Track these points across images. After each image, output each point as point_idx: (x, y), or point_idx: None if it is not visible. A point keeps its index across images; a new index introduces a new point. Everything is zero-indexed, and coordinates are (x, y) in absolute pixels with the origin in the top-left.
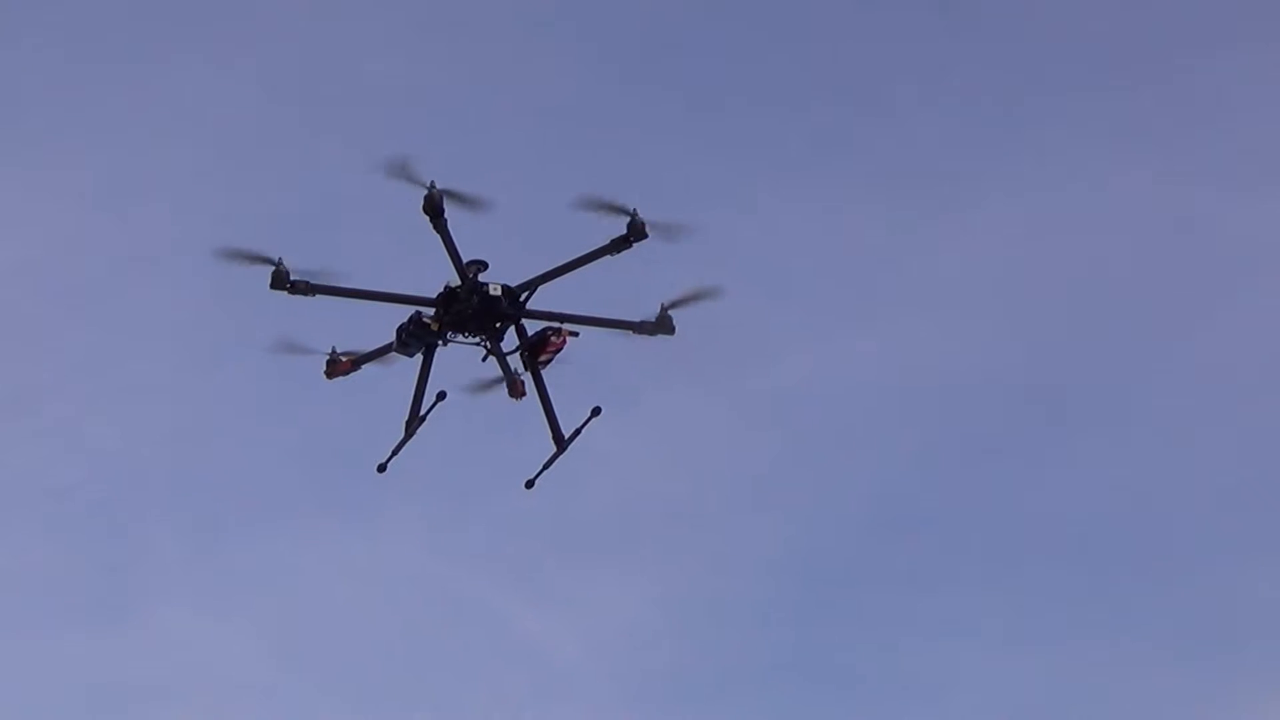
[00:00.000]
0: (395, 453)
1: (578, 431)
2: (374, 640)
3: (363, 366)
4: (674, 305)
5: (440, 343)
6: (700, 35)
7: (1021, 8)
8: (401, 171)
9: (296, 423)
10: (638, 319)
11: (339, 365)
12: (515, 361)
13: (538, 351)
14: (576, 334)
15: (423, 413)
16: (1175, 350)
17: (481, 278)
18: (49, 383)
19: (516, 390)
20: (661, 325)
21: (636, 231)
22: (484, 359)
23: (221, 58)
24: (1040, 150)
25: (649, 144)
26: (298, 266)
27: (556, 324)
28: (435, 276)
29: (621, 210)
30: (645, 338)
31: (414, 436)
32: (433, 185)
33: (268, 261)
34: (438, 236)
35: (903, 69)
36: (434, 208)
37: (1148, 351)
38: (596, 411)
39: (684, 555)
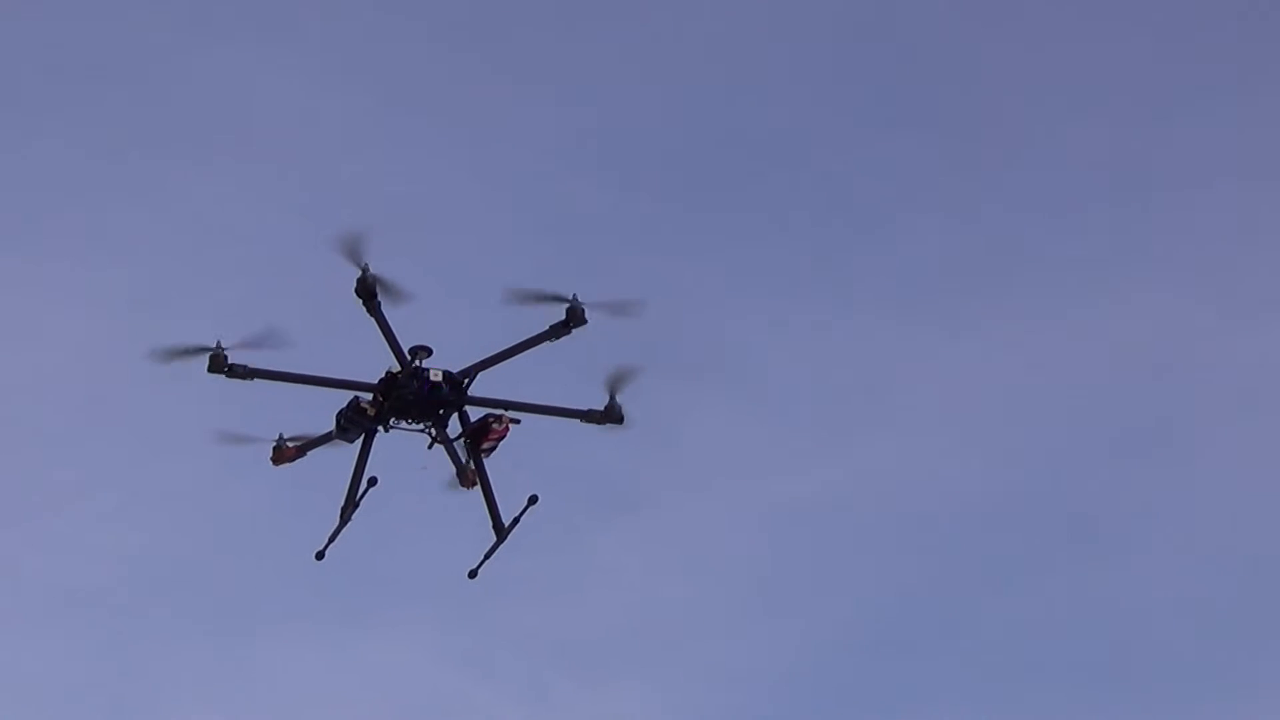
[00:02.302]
0: (332, 539)
1: (516, 520)
2: None
3: (308, 453)
4: (613, 387)
5: (381, 428)
6: (707, 146)
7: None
8: (350, 249)
9: (318, 526)
10: (585, 408)
11: (285, 452)
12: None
13: (479, 439)
14: (518, 421)
15: (357, 499)
16: (1182, 470)
17: (425, 363)
18: (75, 487)
19: (468, 480)
20: (609, 414)
21: (575, 317)
22: (430, 446)
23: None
24: (1046, 267)
25: (654, 252)
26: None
27: (497, 411)
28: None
29: (559, 298)
30: (594, 426)
31: (349, 523)
32: (366, 268)
33: (205, 350)
34: (373, 320)
35: (907, 185)
36: (367, 290)
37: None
38: (533, 500)
39: (689, 664)
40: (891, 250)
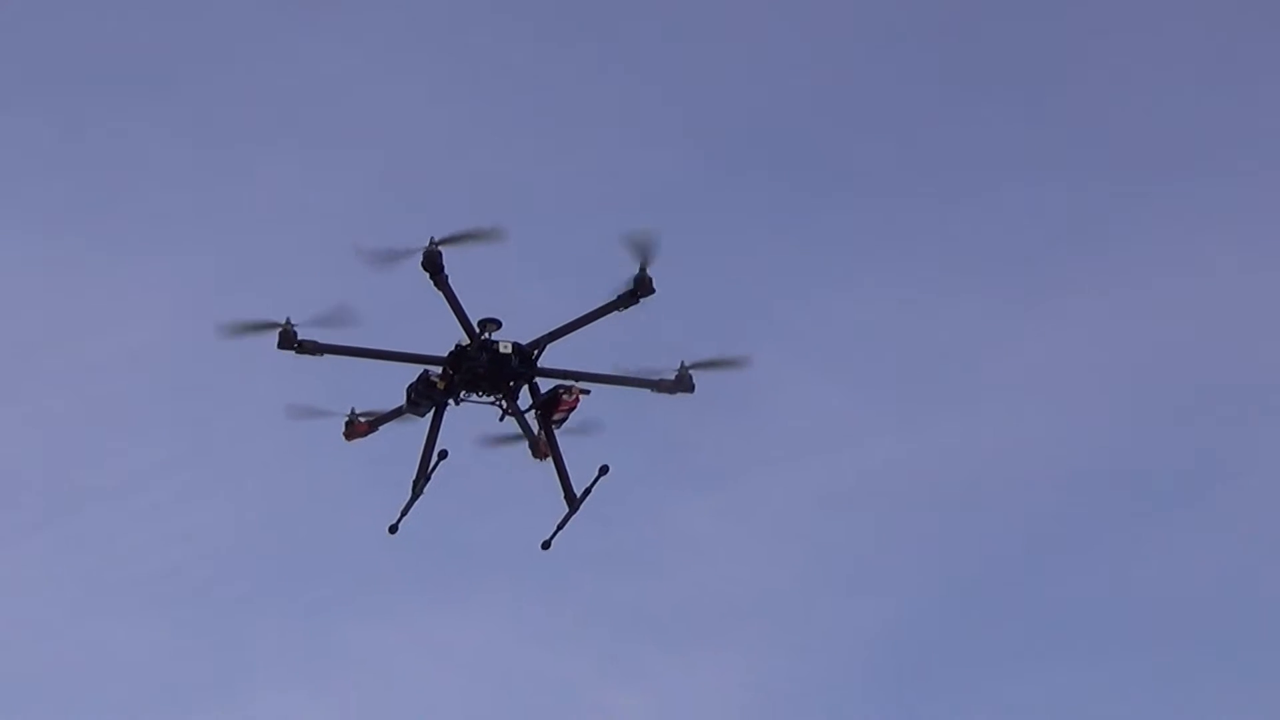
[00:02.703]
0: (404, 513)
1: (588, 491)
2: None
3: (380, 428)
4: (696, 366)
5: (452, 402)
6: (794, 120)
7: (1117, 93)
8: (387, 257)
9: (396, 500)
10: (656, 377)
11: (357, 427)
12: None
13: (550, 410)
14: (588, 391)
15: (428, 472)
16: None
17: (495, 335)
18: (156, 466)
19: (541, 451)
20: (681, 384)
21: (643, 286)
22: (501, 419)
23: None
24: (1131, 237)
25: (742, 227)
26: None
27: (567, 382)
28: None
29: (642, 251)
30: (664, 395)
31: (421, 496)
32: (432, 241)
33: (274, 325)
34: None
35: (997, 155)
36: (433, 265)
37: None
38: (604, 470)
39: (775, 638)
40: (976, 221)
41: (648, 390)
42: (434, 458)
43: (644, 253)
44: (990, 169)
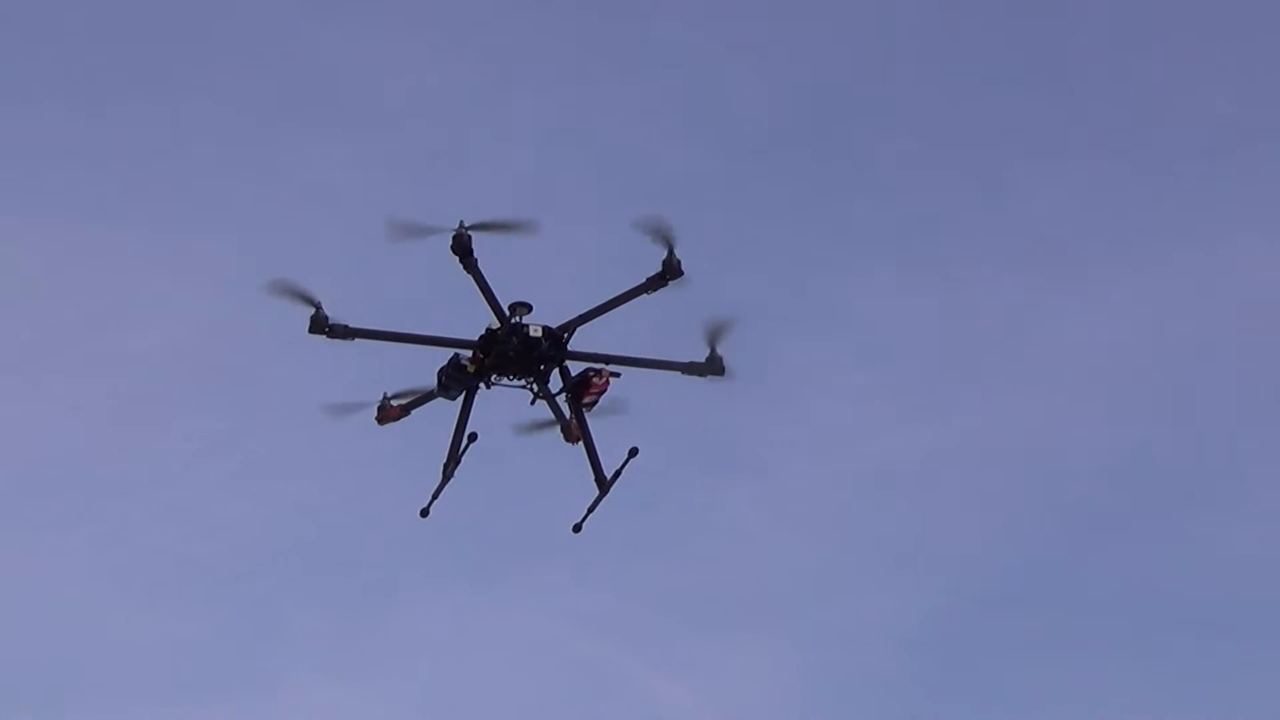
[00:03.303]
0: (435, 496)
1: (618, 473)
2: (512, 711)
3: (412, 412)
4: (714, 338)
5: (483, 384)
6: (820, 110)
7: (1137, 83)
8: (418, 230)
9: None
10: (686, 359)
11: (390, 411)
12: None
13: (580, 393)
14: (618, 374)
15: (459, 455)
16: None
17: (525, 319)
18: (188, 458)
19: (573, 434)
20: (712, 366)
21: (672, 270)
22: (532, 402)
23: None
24: (1157, 224)
25: (768, 220)
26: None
27: (598, 365)
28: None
29: (666, 238)
30: (695, 378)
31: (451, 479)
32: (461, 225)
33: (309, 301)
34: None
35: (1017, 144)
36: (462, 248)
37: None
38: (634, 452)
39: (818, 626)
40: (1012, 207)
41: (678, 373)
42: (464, 441)
43: (666, 238)
44: (1020, 157)
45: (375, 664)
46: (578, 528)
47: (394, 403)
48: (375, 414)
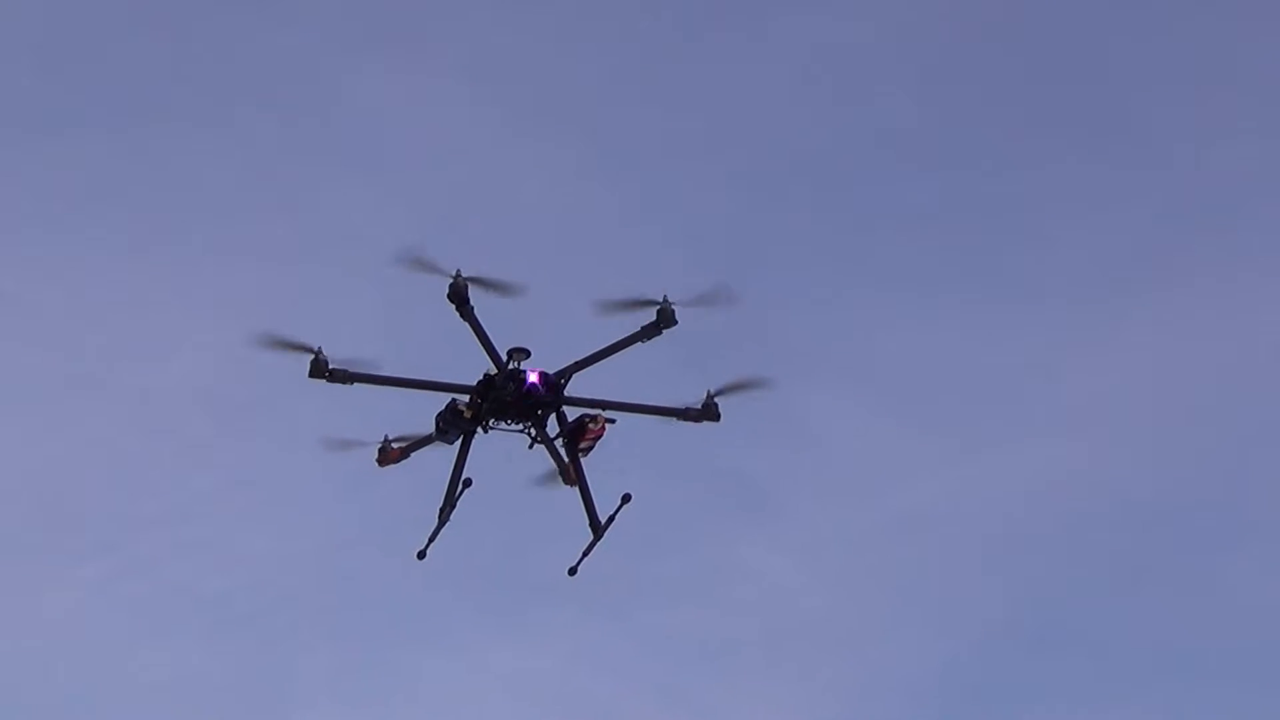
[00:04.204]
0: (432, 539)
1: (611, 519)
2: None
3: (412, 455)
4: (721, 393)
5: (481, 429)
6: (845, 155)
7: (1166, 128)
8: (420, 263)
9: (448, 535)
10: (682, 405)
11: (390, 454)
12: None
13: (577, 438)
14: (613, 420)
15: (454, 499)
16: None
17: (524, 365)
18: (206, 494)
19: (570, 478)
20: (707, 413)
21: (666, 318)
22: (530, 447)
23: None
24: (1185, 268)
25: (790, 263)
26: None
27: (593, 411)
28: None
29: (650, 302)
30: (690, 424)
31: (448, 523)
32: (458, 274)
33: (307, 349)
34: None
35: (1047, 186)
36: (459, 296)
37: None
38: (627, 498)
39: (831, 669)
40: (1037, 250)
41: (674, 419)
42: (459, 486)
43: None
44: (1041, 204)
45: (390, 704)
46: (573, 570)
47: (394, 445)
48: (376, 456)
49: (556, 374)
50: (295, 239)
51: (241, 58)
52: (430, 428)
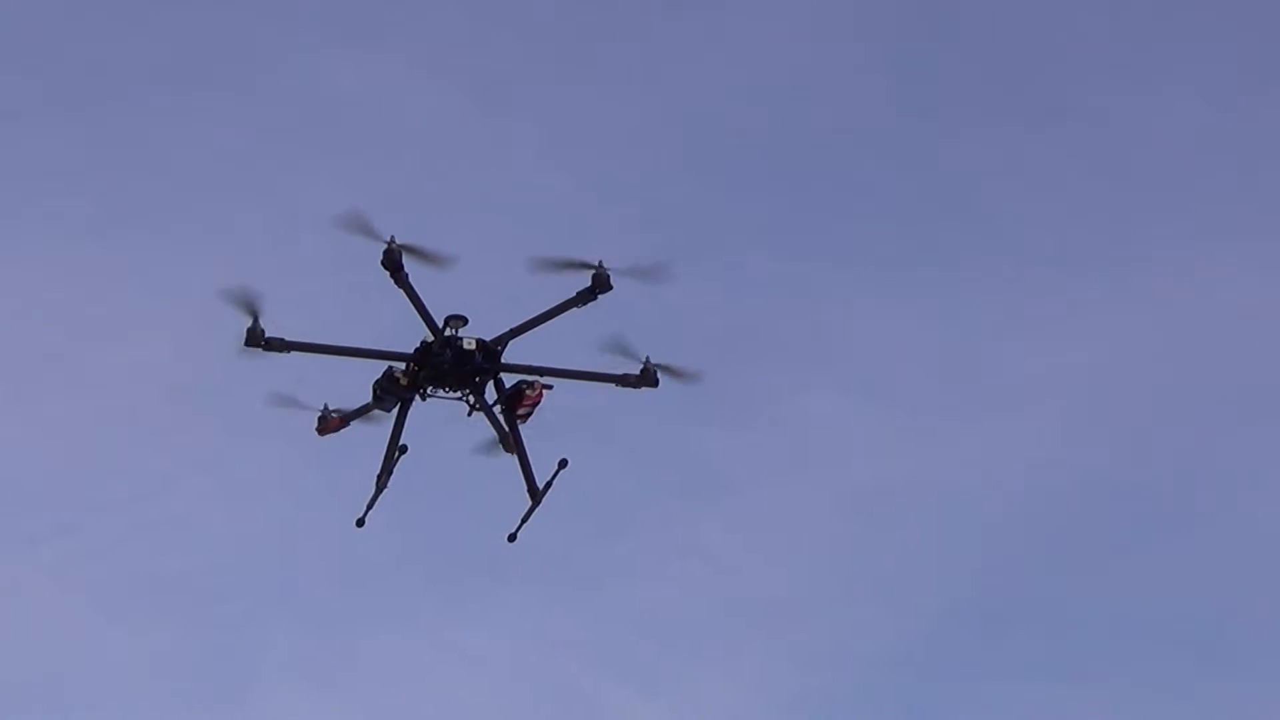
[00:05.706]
0: (370, 506)
1: (549, 484)
2: None
3: (351, 423)
4: (660, 367)
5: (418, 397)
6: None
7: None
8: (358, 226)
9: (402, 512)
10: (620, 372)
11: (330, 422)
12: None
13: (514, 405)
14: (550, 386)
15: (391, 466)
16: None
17: (461, 332)
18: (168, 476)
19: (510, 445)
20: (645, 378)
21: (601, 283)
22: (469, 414)
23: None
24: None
25: (755, 242)
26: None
27: (530, 377)
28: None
29: (585, 265)
30: (629, 390)
31: (385, 490)
32: (392, 240)
33: (252, 312)
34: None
35: (998, 173)
36: (393, 263)
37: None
38: (563, 464)
39: (792, 649)
40: (998, 232)
41: (612, 385)
42: (397, 453)
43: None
44: (1004, 184)
45: (348, 681)
46: (513, 537)
47: (334, 414)
48: (316, 425)
49: (493, 340)
50: (256, 223)
51: (202, 43)
52: (368, 396)
